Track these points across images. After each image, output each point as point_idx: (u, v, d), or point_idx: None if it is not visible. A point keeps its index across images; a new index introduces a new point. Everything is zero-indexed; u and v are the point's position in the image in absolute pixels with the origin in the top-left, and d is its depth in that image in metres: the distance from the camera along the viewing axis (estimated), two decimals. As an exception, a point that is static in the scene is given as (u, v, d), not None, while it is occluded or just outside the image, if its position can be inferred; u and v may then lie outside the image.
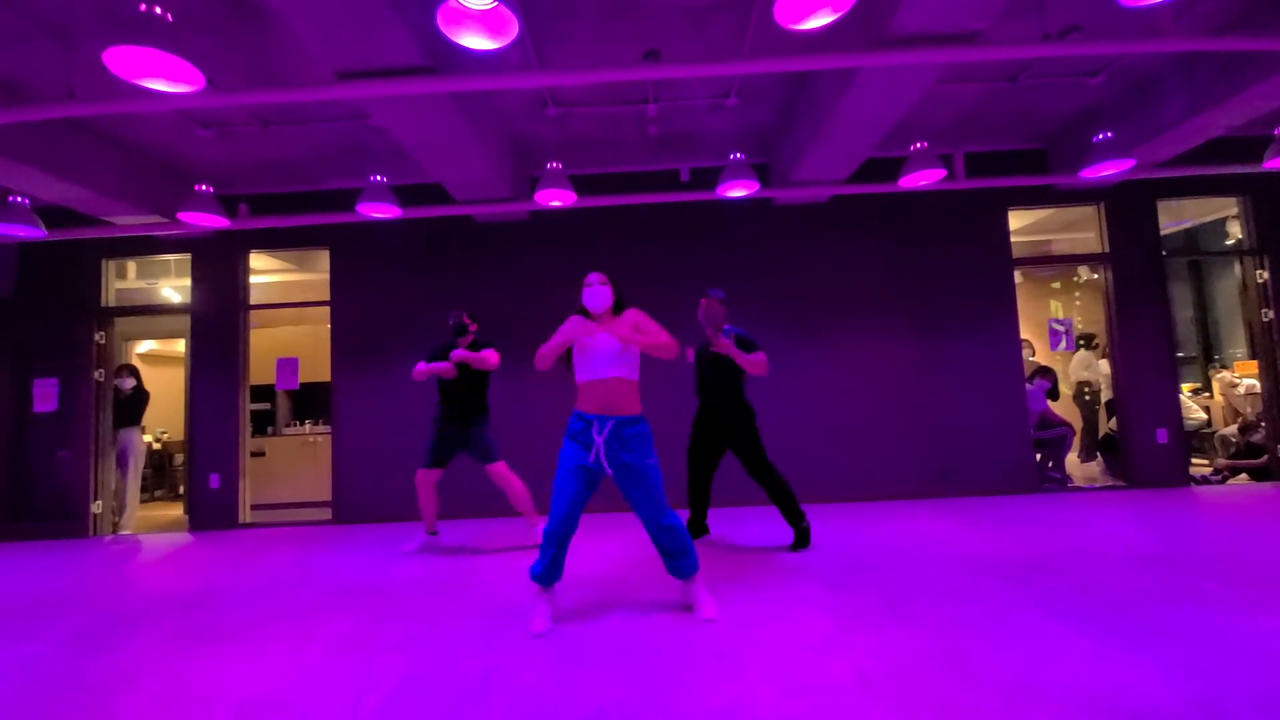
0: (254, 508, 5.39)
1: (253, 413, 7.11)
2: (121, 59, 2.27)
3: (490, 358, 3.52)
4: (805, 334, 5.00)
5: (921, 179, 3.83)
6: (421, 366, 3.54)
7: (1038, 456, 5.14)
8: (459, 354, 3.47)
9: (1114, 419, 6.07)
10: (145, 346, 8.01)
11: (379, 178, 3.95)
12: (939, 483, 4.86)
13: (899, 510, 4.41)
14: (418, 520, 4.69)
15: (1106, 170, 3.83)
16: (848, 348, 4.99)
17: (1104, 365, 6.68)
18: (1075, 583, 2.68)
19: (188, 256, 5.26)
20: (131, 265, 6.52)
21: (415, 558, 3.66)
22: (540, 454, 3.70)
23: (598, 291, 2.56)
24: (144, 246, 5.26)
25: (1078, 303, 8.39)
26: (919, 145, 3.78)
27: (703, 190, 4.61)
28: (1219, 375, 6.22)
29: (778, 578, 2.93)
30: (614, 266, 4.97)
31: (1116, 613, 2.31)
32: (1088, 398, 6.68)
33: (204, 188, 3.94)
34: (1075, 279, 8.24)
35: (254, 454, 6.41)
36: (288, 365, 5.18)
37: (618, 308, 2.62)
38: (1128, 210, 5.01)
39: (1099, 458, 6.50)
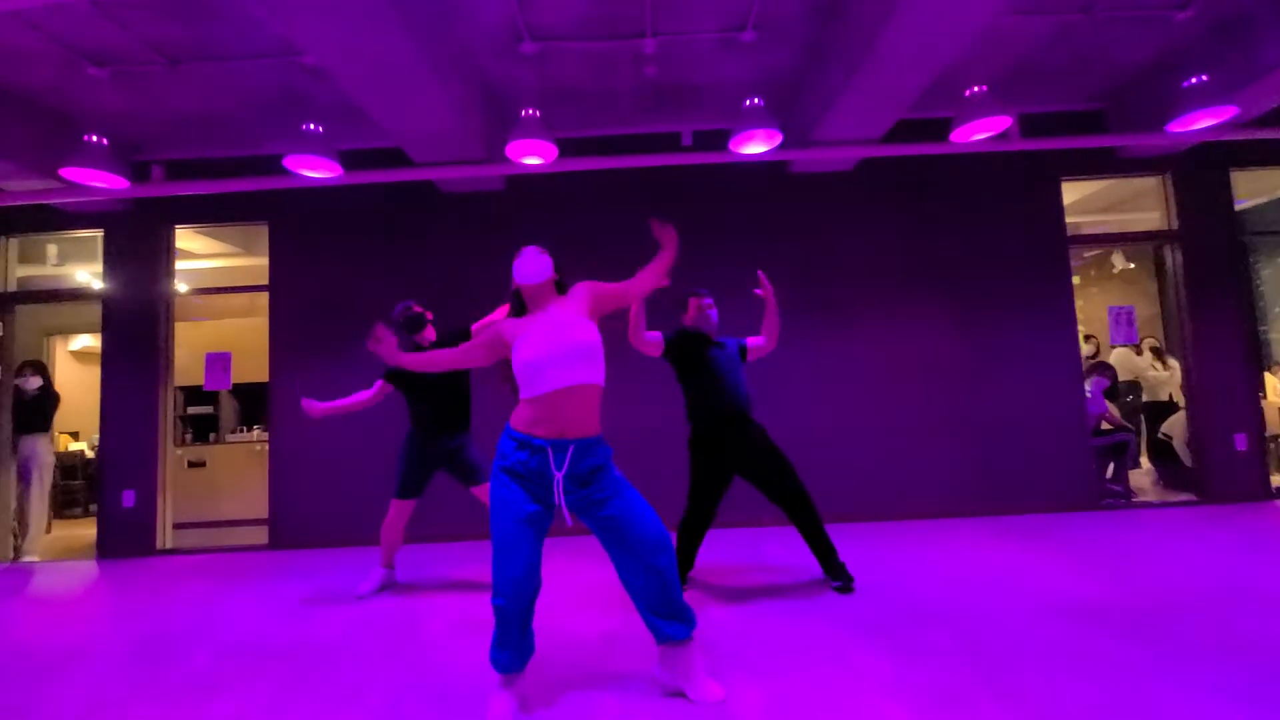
0: (188, 527, 4.61)
1: (195, 418, 6.33)
2: None
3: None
4: (825, 323, 4.29)
5: (979, 130, 3.14)
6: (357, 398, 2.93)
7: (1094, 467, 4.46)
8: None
9: (1164, 423, 5.44)
10: (80, 343, 7.17)
11: (314, 126, 3.21)
12: (981, 498, 4.16)
13: (941, 532, 3.70)
14: (370, 546, 3.95)
15: (1201, 120, 3.16)
16: (875, 340, 4.28)
17: (1143, 362, 6.06)
18: (1220, 638, 1.99)
19: (100, 233, 4.46)
20: (52, 247, 5.72)
21: (352, 604, 2.90)
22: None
23: (531, 260, 1.84)
24: (45, 221, 4.45)
25: (1095, 296, 7.76)
26: (978, 89, 3.09)
27: (709, 153, 3.91)
28: (1281, 373, 5.58)
29: (815, 636, 2.20)
30: (602, 245, 4.34)
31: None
32: (1129, 399, 6.05)
33: (95, 138, 3.17)
34: (1093, 272, 7.61)
35: (193, 464, 5.62)
36: (219, 361, 4.39)
37: (560, 288, 1.93)
38: (1199, 182, 4.35)
39: (1146, 465, 5.87)
